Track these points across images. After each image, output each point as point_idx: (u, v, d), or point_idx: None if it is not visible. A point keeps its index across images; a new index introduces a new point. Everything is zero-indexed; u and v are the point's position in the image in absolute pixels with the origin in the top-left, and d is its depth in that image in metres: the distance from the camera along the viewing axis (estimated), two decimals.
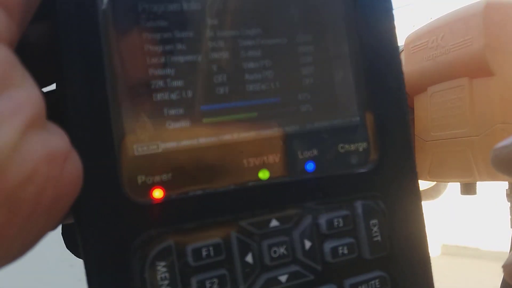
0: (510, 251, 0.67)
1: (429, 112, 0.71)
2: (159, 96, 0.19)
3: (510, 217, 0.68)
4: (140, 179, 0.19)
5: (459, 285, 2.09)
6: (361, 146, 0.21)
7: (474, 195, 0.70)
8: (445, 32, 0.66)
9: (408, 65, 0.77)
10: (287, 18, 0.21)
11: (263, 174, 0.20)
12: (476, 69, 0.60)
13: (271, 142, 0.21)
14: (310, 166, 0.21)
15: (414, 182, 0.21)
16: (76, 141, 0.17)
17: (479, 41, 0.59)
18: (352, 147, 0.21)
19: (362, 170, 0.21)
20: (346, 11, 0.21)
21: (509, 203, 0.68)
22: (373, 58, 0.21)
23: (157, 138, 0.19)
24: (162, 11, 0.19)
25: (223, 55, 0.20)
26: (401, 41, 0.78)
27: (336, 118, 0.22)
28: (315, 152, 0.21)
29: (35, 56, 0.19)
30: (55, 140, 0.15)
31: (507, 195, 0.68)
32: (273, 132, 0.21)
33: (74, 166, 0.16)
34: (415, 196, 0.21)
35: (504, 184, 0.69)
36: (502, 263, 0.22)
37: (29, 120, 0.14)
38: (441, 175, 0.73)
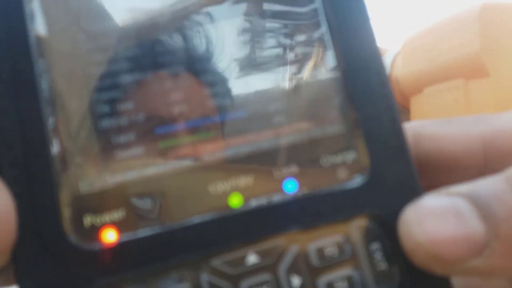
0: None
1: (425, 113, 0.72)
2: (105, 123, 0.17)
3: None
4: (87, 220, 0.16)
5: None
6: (349, 156, 0.18)
7: None
8: (442, 34, 0.67)
9: (405, 67, 0.77)
10: (253, 22, 0.19)
11: (235, 201, 0.17)
12: (472, 70, 0.61)
13: (241, 162, 0.18)
14: (290, 186, 0.18)
15: (416, 190, 0.17)
16: (8, 180, 0.15)
17: (475, 43, 0.60)
18: (338, 158, 0.18)
19: (353, 185, 0.18)
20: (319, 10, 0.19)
21: None
22: (351, 55, 0.19)
23: (106, 170, 0.17)
24: (101, 29, 0.17)
25: (178, 68, 0.18)
26: (399, 43, 0.79)
27: (315, 127, 0.19)
28: (295, 168, 0.18)
29: None
30: None
31: None
32: (242, 150, 0.18)
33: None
34: None
35: None
36: None
37: None
38: None
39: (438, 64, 0.66)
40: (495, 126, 0.16)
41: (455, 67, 0.63)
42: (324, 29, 0.19)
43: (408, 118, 0.78)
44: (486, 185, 0.13)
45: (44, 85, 0.16)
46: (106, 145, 0.17)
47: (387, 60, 0.81)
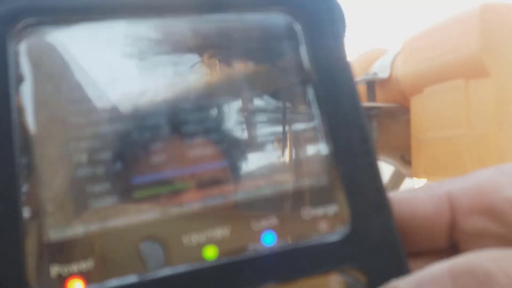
0: None
1: (425, 113, 0.72)
2: (81, 172, 0.17)
3: None
4: (55, 270, 0.16)
5: None
6: (330, 209, 0.18)
7: None
8: (442, 34, 0.67)
9: (405, 67, 0.77)
10: (236, 72, 0.19)
11: (210, 253, 0.17)
12: (472, 70, 0.61)
13: (218, 213, 0.18)
14: (269, 238, 0.17)
15: (395, 244, 0.18)
16: None
17: (475, 43, 0.60)
18: (319, 211, 0.18)
19: (333, 239, 0.17)
20: (299, 60, 0.19)
21: None
22: (332, 108, 0.19)
23: (77, 219, 0.17)
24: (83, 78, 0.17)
25: (159, 120, 0.18)
26: (399, 43, 0.80)
27: (297, 179, 0.19)
28: (274, 220, 0.18)
29: None
30: None
31: None
32: (219, 200, 0.18)
33: None
34: (401, 264, 0.18)
35: None
36: None
37: None
38: (436, 173, 0.74)
39: (438, 64, 0.66)
40: (459, 185, 0.17)
41: (455, 67, 0.63)
42: (308, 89, 0.19)
43: (408, 118, 0.78)
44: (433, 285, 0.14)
45: (19, 131, 0.16)
46: (80, 193, 0.17)
47: (387, 60, 0.81)
